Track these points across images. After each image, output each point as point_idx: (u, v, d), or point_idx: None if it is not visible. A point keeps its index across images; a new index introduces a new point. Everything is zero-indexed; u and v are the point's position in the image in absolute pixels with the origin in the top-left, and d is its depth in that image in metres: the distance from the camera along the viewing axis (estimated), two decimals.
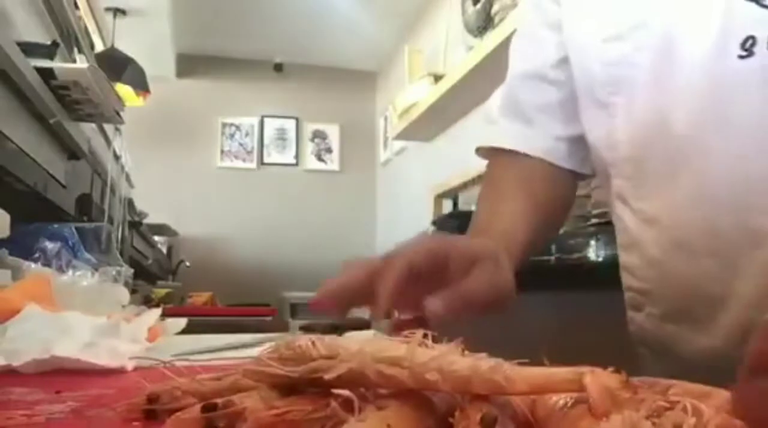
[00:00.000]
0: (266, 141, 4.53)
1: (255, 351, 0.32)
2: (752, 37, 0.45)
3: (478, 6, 2.48)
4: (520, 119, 0.67)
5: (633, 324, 0.62)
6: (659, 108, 0.52)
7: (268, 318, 2.59)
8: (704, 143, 0.50)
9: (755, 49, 0.45)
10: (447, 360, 0.26)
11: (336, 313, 0.44)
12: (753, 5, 0.45)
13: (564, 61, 0.63)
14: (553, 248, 1.36)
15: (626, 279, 0.62)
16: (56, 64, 1.09)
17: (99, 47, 3.13)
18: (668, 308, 0.57)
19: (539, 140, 0.65)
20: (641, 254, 0.58)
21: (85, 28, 2.25)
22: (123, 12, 3.26)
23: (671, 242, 0.54)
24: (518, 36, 0.71)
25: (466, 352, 0.28)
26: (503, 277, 0.49)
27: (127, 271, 1.24)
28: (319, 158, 4.64)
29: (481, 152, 0.72)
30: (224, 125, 4.46)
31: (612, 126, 0.56)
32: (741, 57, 0.46)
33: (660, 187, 0.54)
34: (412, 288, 0.43)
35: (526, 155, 0.65)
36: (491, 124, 0.71)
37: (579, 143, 0.64)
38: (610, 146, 0.58)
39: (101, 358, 0.55)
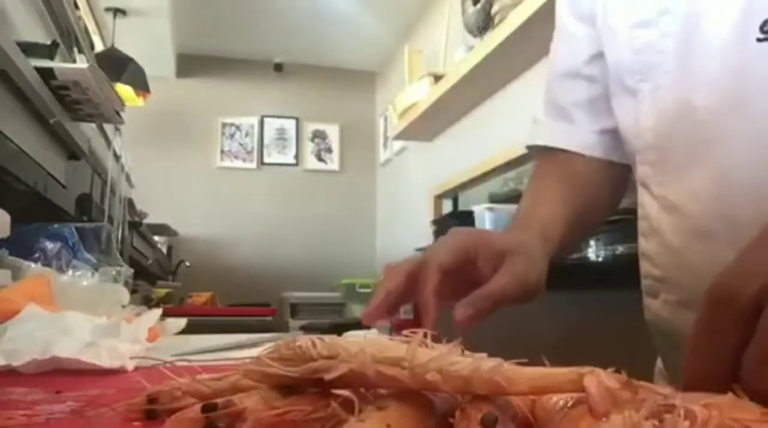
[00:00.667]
0: (266, 141, 4.53)
1: (255, 351, 0.32)
2: None
3: (478, 6, 2.48)
4: (561, 116, 0.69)
5: (648, 312, 0.63)
6: (682, 94, 0.52)
7: (268, 318, 2.59)
8: (724, 128, 0.50)
9: None
10: (447, 360, 0.26)
11: (386, 320, 0.49)
12: None
13: (598, 57, 0.65)
14: None
15: (644, 266, 0.63)
16: (56, 64, 1.09)
17: (99, 47, 3.13)
18: (684, 296, 0.57)
19: (578, 135, 0.68)
20: (661, 241, 0.58)
21: (85, 28, 2.25)
22: (123, 12, 3.26)
23: (691, 229, 0.54)
24: (555, 34, 0.72)
25: (466, 352, 0.28)
26: (535, 270, 0.52)
27: (127, 271, 1.24)
28: (319, 158, 4.64)
29: (530, 151, 0.75)
30: (224, 125, 4.46)
31: (638, 113, 0.57)
32: (759, 40, 0.46)
33: (682, 174, 0.55)
34: (446, 284, 0.49)
35: (565, 151, 0.68)
36: (536, 123, 0.73)
37: (618, 135, 0.65)
38: (637, 134, 0.59)
39: (101, 358, 0.55)
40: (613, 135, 0.66)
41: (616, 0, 0.60)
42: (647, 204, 0.60)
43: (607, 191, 0.70)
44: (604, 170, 0.68)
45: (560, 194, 0.65)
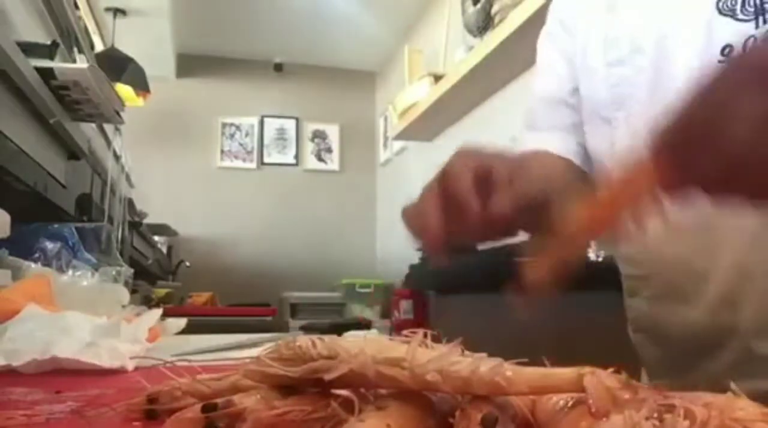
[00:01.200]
0: (266, 141, 4.53)
1: (255, 351, 0.32)
2: (729, 46, 0.51)
3: (478, 6, 2.48)
4: (538, 130, 0.74)
5: (630, 311, 0.68)
6: (654, 118, 0.55)
7: (268, 318, 2.59)
8: None
9: (732, 56, 0.50)
10: (447, 360, 0.26)
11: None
12: (729, 19, 0.51)
13: (576, 91, 0.70)
14: None
15: (624, 268, 0.68)
16: (56, 64, 1.08)
17: (99, 47, 3.13)
18: (660, 289, 0.62)
19: (563, 143, 0.71)
20: (639, 242, 0.62)
21: (85, 28, 2.25)
22: (123, 12, 3.26)
23: (664, 228, 0.58)
24: (538, 63, 0.77)
25: (466, 352, 0.28)
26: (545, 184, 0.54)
27: (127, 271, 1.24)
28: (319, 158, 4.64)
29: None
30: (224, 125, 4.45)
31: (614, 138, 0.62)
32: (720, 62, 0.51)
33: None
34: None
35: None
36: (517, 140, 0.77)
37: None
38: (612, 155, 0.63)
39: (102, 358, 0.55)
40: (584, 152, 0.70)
41: (593, 42, 0.65)
42: None
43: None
44: (580, 176, 0.71)
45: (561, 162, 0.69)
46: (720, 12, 0.51)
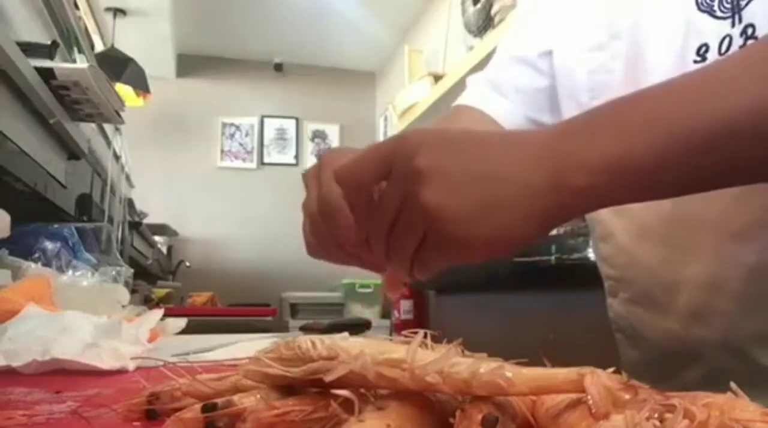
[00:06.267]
0: (266, 141, 4.53)
1: (254, 352, 0.32)
2: (706, 45, 0.50)
3: (478, 6, 2.48)
4: (499, 92, 0.71)
5: (611, 310, 0.68)
6: None
7: (268, 318, 2.59)
8: None
9: (708, 55, 0.50)
10: (447, 362, 0.26)
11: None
12: (706, 16, 0.50)
13: (548, 54, 0.68)
14: (553, 248, 1.36)
15: (603, 268, 0.68)
16: (56, 64, 1.08)
17: (99, 47, 3.13)
18: (635, 294, 0.62)
19: (513, 114, 0.69)
20: (615, 242, 0.62)
21: (85, 28, 2.25)
22: (123, 12, 3.26)
23: (637, 230, 0.59)
24: (513, 23, 0.76)
25: (466, 352, 0.28)
26: None
27: (127, 271, 1.24)
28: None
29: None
30: (224, 125, 4.45)
31: None
32: (696, 62, 0.51)
33: None
34: None
35: (495, 123, 0.69)
36: (471, 87, 0.74)
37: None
38: None
39: (103, 359, 0.55)
40: (538, 127, 0.68)
41: (574, 25, 0.64)
42: (602, 210, 0.63)
43: None
44: None
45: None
46: (699, 8, 0.51)
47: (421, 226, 0.35)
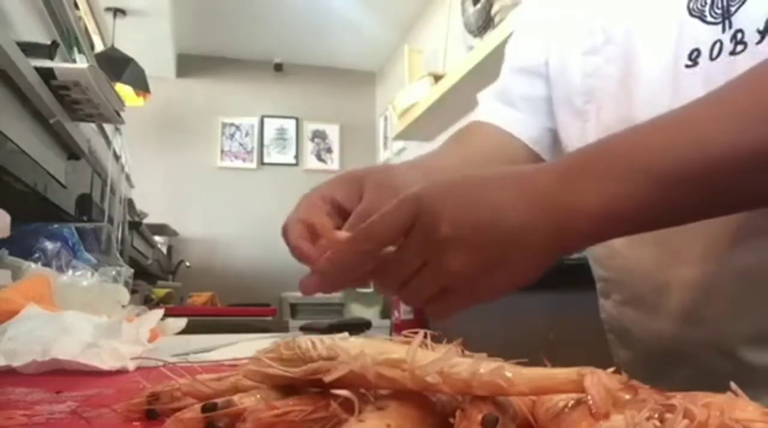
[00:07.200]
0: (266, 141, 4.53)
1: (254, 352, 0.32)
2: (697, 50, 0.51)
3: (478, 6, 2.48)
4: (510, 105, 0.72)
5: (603, 311, 0.68)
6: (623, 115, 0.57)
7: (268, 318, 2.59)
8: None
9: (699, 60, 0.51)
10: (447, 362, 0.26)
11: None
12: (698, 21, 0.51)
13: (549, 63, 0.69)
14: None
15: (595, 270, 0.68)
16: (56, 64, 1.08)
17: (99, 47, 3.13)
18: (627, 295, 0.63)
19: (528, 127, 0.70)
20: (607, 245, 0.62)
21: (85, 28, 2.25)
22: (123, 12, 3.26)
23: None
24: (514, 35, 0.76)
25: (466, 352, 0.28)
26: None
27: (127, 271, 1.24)
28: (319, 158, 4.64)
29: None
30: (224, 125, 4.45)
31: (585, 131, 0.62)
32: (687, 66, 0.52)
33: None
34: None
35: (512, 137, 0.70)
36: (484, 103, 0.76)
37: (554, 138, 0.70)
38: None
39: (103, 360, 0.55)
40: (552, 136, 0.70)
41: (569, 30, 0.65)
42: None
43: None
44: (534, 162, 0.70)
45: (461, 155, 0.68)
46: (690, 13, 0.52)
47: (441, 283, 0.42)
